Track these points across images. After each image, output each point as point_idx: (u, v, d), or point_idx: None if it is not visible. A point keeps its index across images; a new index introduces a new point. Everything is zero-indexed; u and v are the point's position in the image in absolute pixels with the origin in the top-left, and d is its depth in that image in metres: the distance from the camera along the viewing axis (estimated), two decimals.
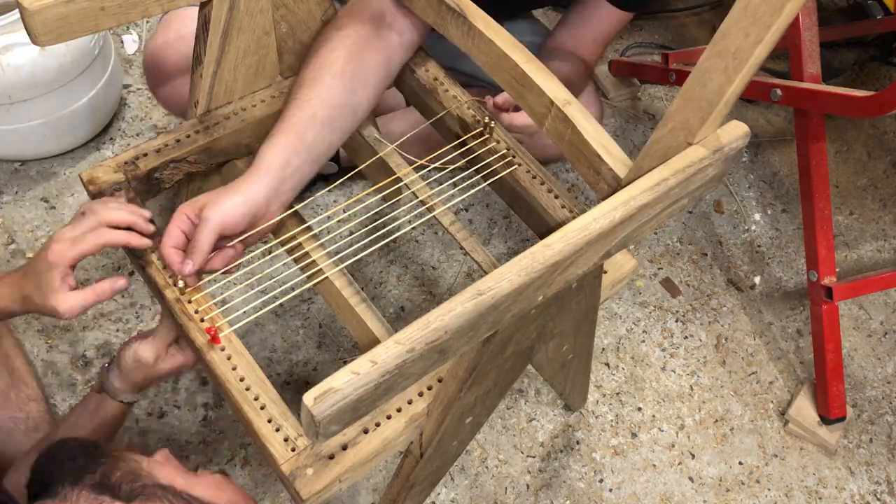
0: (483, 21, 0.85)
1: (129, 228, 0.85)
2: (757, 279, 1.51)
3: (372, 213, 1.08)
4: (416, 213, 0.97)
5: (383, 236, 0.96)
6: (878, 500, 1.28)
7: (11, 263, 1.34)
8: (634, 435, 1.29)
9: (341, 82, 0.91)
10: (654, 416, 1.31)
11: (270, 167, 0.86)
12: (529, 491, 1.21)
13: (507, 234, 1.50)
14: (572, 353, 1.02)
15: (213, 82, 0.94)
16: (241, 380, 0.81)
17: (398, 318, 1.35)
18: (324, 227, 1.37)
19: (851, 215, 1.64)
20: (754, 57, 0.60)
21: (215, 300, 0.86)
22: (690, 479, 1.26)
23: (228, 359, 0.82)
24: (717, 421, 1.32)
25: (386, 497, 1.00)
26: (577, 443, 1.27)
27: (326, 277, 0.90)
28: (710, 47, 0.62)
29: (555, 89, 0.80)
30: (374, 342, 0.87)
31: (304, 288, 0.92)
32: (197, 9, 0.89)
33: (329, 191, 1.48)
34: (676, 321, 1.43)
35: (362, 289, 0.92)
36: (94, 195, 0.90)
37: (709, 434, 1.31)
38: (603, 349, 1.37)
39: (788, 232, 1.59)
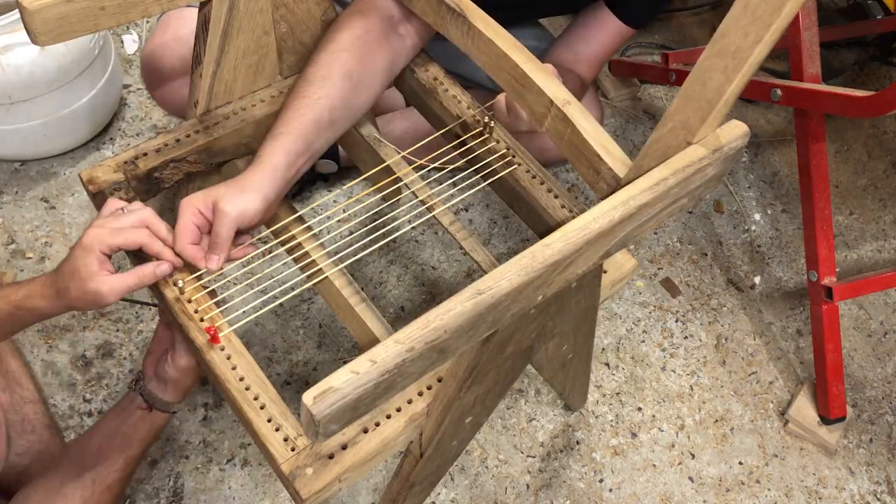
0: (483, 21, 0.85)
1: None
2: (757, 279, 1.51)
3: (372, 213, 1.08)
4: (416, 213, 0.97)
5: (383, 236, 0.96)
6: (878, 500, 1.28)
7: (11, 263, 1.34)
8: (634, 435, 1.29)
9: (349, 84, 0.91)
10: (654, 416, 1.31)
11: (278, 167, 0.86)
12: (529, 491, 1.21)
13: (507, 234, 1.50)
14: (572, 353, 1.02)
15: (212, 82, 0.94)
16: (241, 379, 0.81)
17: (398, 318, 1.35)
18: (324, 226, 1.37)
19: (851, 215, 1.64)
20: (754, 56, 0.59)
21: (215, 300, 0.86)
22: (690, 479, 1.26)
23: (228, 358, 0.82)
24: (717, 421, 1.32)
25: (386, 497, 1.00)
26: (577, 443, 1.27)
27: (326, 277, 0.90)
28: (710, 47, 0.62)
29: (555, 89, 0.80)
30: (374, 342, 0.87)
31: (304, 288, 0.92)
32: (193, 10, 0.89)
33: (329, 191, 1.48)
34: (676, 321, 1.43)
35: (362, 289, 0.92)
36: (94, 195, 0.90)
37: (709, 434, 1.30)
38: (603, 349, 1.37)
39: (788, 232, 1.59)
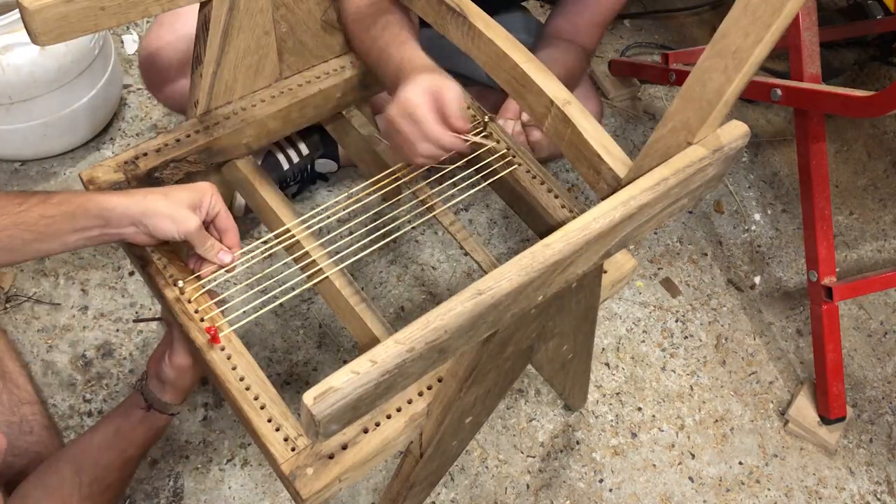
0: (483, 21, 0.85)
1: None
2: (757, 279, 1.51)
3: (372, 213, 1.08)
4: (416, 213, 0.97)
5: (383, 236, 0.95)
6: (878, 500, 1.28)
7: None
8: (634, 435, 1.29)
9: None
10: (654, 416, 1.31)
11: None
12: (529, 491, 1.21)
13: (507, 234, 1.50)
14: (572, 353, 1.02)
15: (212, 82, 0.94)
16: (241, 379, 0.81)
17: (398, 318, 1.35)
18: (323, 226, 1.37)
19: (851, 215, 1.64)
20: (754, 56, 0.60)
21: (215, 300, 0.86)
22: (690, 479, 1.26)
23: (228, 358, 0.82)
24: (717, 421, 1.32)
25: (386, 497, 1.00)
26: (577, 443, 1.27)
27: (326, 277, 0.90)
28: (710, 47, 0.62)
29: (555, 89, 0.80)
30: (374, 342, 0.87)
31: (304, 288, 0.92)
32: (188, 9, 0.89)
33: (329, 191, 1.48)
34: (676, 321, 1.43)
35: (362, 289, 0.92)
36: None
37: (709, 434, 1.30)
38: (603, 349, 1.37)
39: (788, 232, 1.59)
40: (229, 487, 1.16)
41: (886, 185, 1.70)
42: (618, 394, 1.33)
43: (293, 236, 0.92)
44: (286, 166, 1.37)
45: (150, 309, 1.31)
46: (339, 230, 1.39)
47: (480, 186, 0.98)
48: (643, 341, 1.39)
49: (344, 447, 0.78)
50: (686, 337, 1.41)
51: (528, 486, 1.22)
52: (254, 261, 0.88)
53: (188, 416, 1.22)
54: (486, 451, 1.24)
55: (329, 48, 1.04)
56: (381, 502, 1.07)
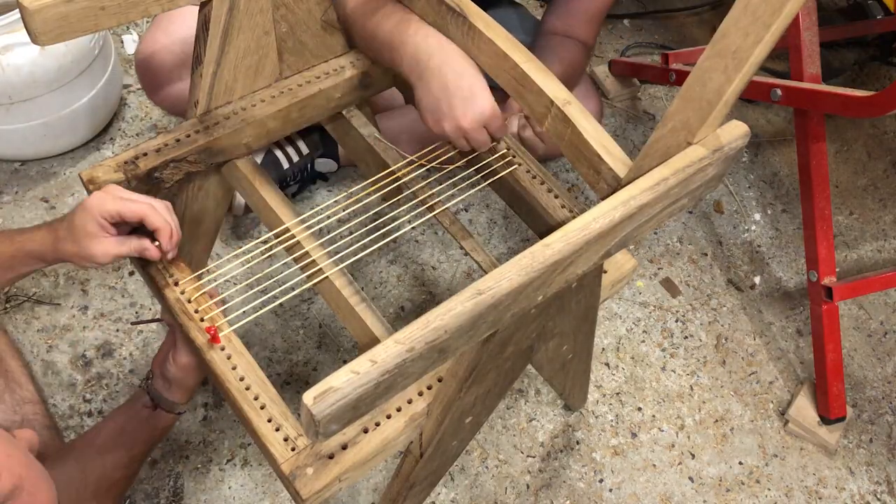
0: (483, 21, 0.85)
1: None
2: (757, 279, 1.51)
3: (372, 213, 1.08)
4: (416, 213, 0.97)
5: (383, 236, 0.95)
6: (878, 500, 1.28)
7: None
8: (634, 435, 1.29)
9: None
10: (654, 416, 1.31)
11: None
12: (529, 491, 1.21)
13: (507, 234, 1.50)
14: (572, 353, 1.02)
15: (212, 82, 0.94)
16: (241, 379, 0.81)
17: (398, 318, 1.35)
18: (323, 226, 1.37)
19: (851, 215, 1.64)
20: (754, 57, 0.60)
21: (215, 300, 0.86)
22: (690, 479, 1.26)
23: (228, 358, 0.82)
24: (717, 421, 1.32)
25: (386, 497, 1.00)
26: (577, 443, 1.27)
27: (326, 277, 0.90)
28: (710, 47, 0.62)
29: (554, 89, 0.80)
30: (374, 342, 0.87)
31: (304, 288, 0.92)
32: (183, 13, 0.89)
33: (329, 191, 1.48)
34: (676, 321, 1.43)
35: (362, 289, 0.92)
36: None
37: (709, 434, 1.30)
38: (603, 349, 1.37)
39: (788, 232, 1.59)
40: (229, 487, 1.16)
41: (886, 185, 1.70)
42: (618, 394, 1.33)
43: (293, 236, 0.92)
44: (286, 165, 1.37)
45: (151, 309, 1.31)
46: (339, 230, 1.39)
47: (480, 186, 0.98)
48: (643, 341, 1.39)
49: (344, 447, 0.78)
50: (686, 337, 1.41)
51: (528, 486, 1.22)
52: (254, 261, 0.88)
53: (188, 416, 1.22)
54: (486, 451, 1.24)
55: (329, 48, 1.04)
56: (381, 502, 1.07)
